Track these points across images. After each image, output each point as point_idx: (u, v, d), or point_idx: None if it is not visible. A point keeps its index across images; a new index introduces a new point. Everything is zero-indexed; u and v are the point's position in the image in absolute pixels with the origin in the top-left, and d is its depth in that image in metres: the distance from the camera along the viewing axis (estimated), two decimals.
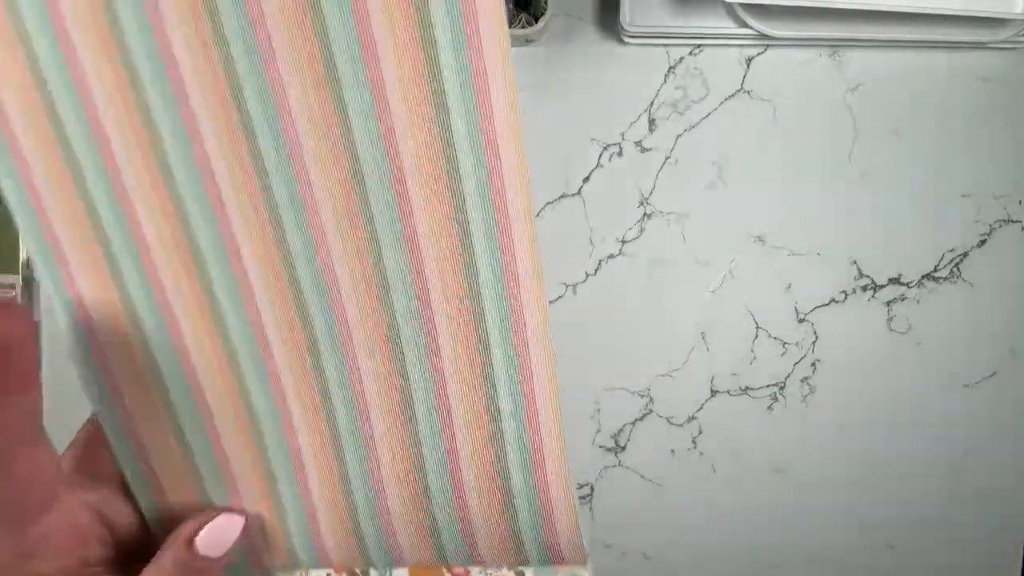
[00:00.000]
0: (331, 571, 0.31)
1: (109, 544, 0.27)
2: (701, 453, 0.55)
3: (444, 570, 0.31)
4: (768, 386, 0.54)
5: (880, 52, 0.51)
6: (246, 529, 0.28)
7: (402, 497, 0.29)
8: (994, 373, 0.54)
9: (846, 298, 0.53)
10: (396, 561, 0.30)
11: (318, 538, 0.30)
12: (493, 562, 0.31)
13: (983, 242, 0.53)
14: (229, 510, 0.28)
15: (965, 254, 0.53)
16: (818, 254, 0.53)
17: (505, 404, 0.27)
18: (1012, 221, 0.53)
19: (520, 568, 0.32)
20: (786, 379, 0.54)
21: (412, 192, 0.24)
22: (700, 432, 0.55)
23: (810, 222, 0.53)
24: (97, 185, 0.25)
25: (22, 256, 0.48)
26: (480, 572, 0.32)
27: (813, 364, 0.54)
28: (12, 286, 0.48)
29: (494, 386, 0.27)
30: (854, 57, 0.51)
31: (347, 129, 0.24)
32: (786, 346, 0.54)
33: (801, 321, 0.54)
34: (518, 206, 0.24)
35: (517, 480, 0.28)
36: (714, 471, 0.55)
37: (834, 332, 0.54)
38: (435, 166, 0.24)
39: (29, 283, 0.48)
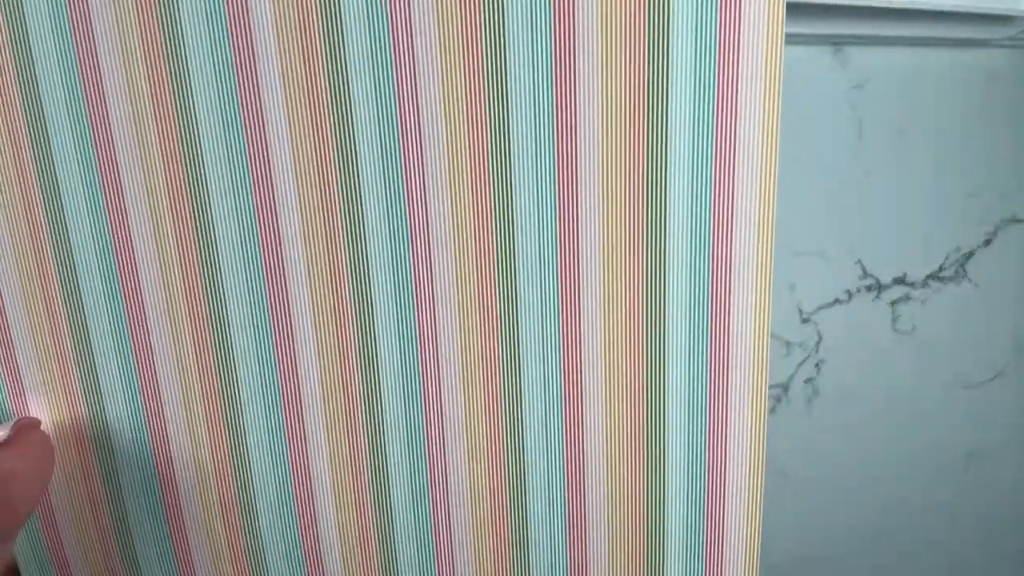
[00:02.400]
0: None
1: None
2: None
3: None
4: (772, 387, 0.54)
5: (883, 49, 0.51)
6: None
7: None
8: (999, 373, 0.54)
9: (851, 298, 0.53)
10: None
11: None
12: None
13: (988, 242, 0.53)
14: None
15: (970, 253, 0.53)
16: (822, 254, 0.53)
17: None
18: (1017, 220, 0.52)
19: None
20: (790, 380, 0.54)
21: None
22: None
23: (814, 221, 0.52)
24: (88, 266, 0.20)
25: None
26: None
27: (817, 365, 0.54)
28: None
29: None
30: (857, 54, 0.51)
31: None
32: (790, 346, 0.53)
33: (805, 321, 0.53)
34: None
35: None
36: None
37: (838, 332, 0.53)
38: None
39: None
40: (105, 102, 0.19)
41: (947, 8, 0.47)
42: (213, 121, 0.19)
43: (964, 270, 0.53)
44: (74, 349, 0.21)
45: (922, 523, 0.56)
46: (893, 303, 0.53)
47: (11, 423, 0.20)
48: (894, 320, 0.53)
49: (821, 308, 0.53)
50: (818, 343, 0.53)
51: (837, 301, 0.53)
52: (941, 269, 0.53)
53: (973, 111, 0.52)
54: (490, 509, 0.22)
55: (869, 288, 0.53)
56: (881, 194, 0.52)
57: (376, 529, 0.22)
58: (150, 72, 0.19)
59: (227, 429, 0.21)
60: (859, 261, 0.53)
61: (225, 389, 0.21)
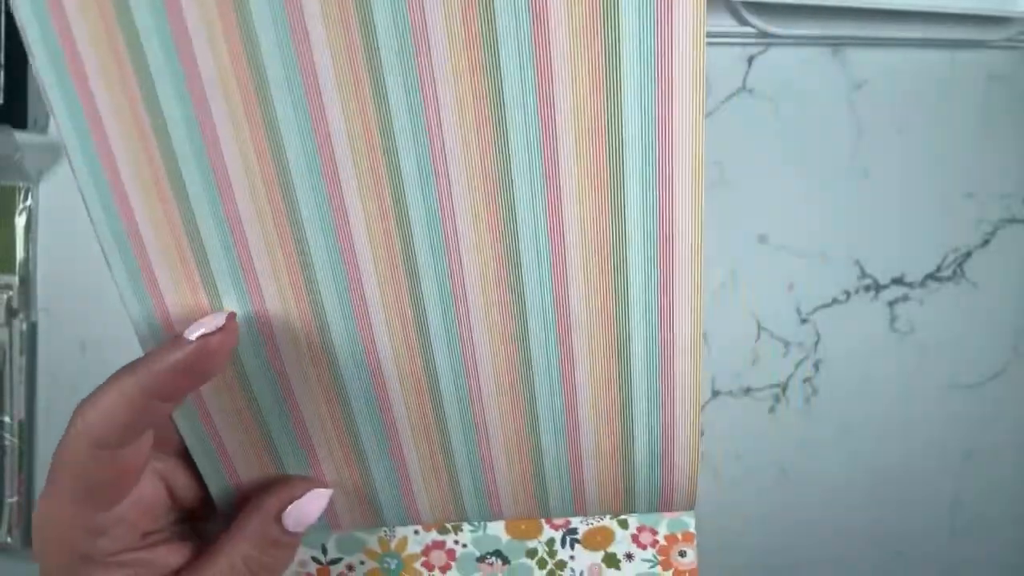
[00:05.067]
0: (419, 527, 0.30)
1: (171, 514, 0.27)
2: (703, 454, 0.55)
3: (543, 521, 0.30)
4: (770, 387, 0.54)
5: (883, 50, 0.51)
6: (330, 499, 0.27)
7: (508, 453, 0.27)
8: (998, 373, 0.54)
9: (848, 298, 0.53)
10: (493, 515, 0.29)
11: (409, 497, 0.29)
12: (596, 511, 0.30)
13: (986, 242, 0.53)
14: (312, 482, 0.27)
15: (968, 254, 0.53)
16: (821, 254, 0.53)
17: (637, 330, 0.25)
18: (1016, 220, 0.52)
19: (623, 516, 0.30)
20: (788, 380, 0.54)
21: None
22: (702, 433, 0.55)
23: (812, 222, 0.52)
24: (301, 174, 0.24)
25: (19, 255, 0.48)
26: (581, 521, 0.31)
27: (815, 365, 0.54)
28: (8, 286, 0.48)
29: (625, 312, 0.25)
30: (856, 55, 0.51)
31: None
32: (788, 346, 0.54)
33: (803, 322, 0.53)
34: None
35: (640, 420, 0.26)
36: (716, 473, 0.55)
37: (836, 333, 0.53)
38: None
39: (26, 282, 0.48)
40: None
41: (946, 9, 0.47)
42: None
43: (962, 270, 0.53)
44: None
45: (920, 523, 0.56)
46: (891, 303, 0.53)
47: (224, 312, 0.24)
48: (892, 320, 0.53)
49: (819, 308, 0.53)
50: (816, 343, 0.54)
51: (835, 301, 0.53)
52: (939, 269, 0.53)
53: (973, 111, 0.52)
54: (500, 325, 0.26)
55: (867, 288, 0.53)
56: (880, 194, 0.52)
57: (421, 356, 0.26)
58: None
59: (307, 294, 0.25)
60: (857, 261, 0.53)
61: (300, 259, 0.25)
